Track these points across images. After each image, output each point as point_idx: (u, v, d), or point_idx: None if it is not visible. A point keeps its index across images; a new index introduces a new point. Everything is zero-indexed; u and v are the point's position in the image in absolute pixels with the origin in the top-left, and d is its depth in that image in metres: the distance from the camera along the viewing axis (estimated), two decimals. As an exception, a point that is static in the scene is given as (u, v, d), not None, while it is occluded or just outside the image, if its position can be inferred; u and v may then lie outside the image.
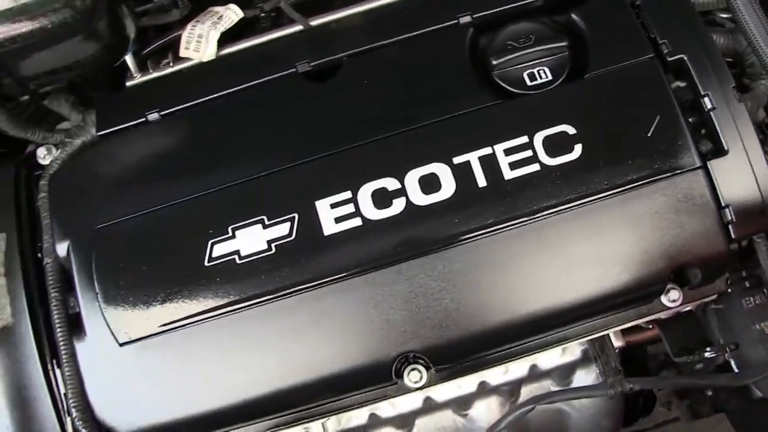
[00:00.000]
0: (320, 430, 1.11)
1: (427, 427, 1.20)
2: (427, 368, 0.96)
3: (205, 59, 1.10)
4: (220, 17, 1.11)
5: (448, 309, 0.93)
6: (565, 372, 1.17)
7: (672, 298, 0.97)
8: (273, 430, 1.03)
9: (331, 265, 0.93)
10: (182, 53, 1.12)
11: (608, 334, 1.07)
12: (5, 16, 0.87)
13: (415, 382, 0.96)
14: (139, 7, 1.08)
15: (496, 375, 1.15)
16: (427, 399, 1.16)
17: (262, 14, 1.14)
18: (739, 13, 0.95)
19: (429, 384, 0.97)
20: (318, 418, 1.02)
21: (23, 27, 0.87)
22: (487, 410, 1.19)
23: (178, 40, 1.12)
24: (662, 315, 1.02)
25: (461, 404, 1.18)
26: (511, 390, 1.18)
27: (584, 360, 1.16)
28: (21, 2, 0.87)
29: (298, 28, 1.10)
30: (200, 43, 1.11)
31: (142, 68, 1.12)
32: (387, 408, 1.16)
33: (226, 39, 1.11)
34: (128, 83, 1.11)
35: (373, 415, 1.15)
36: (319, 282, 0.93)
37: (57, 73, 0.98)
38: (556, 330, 0.98)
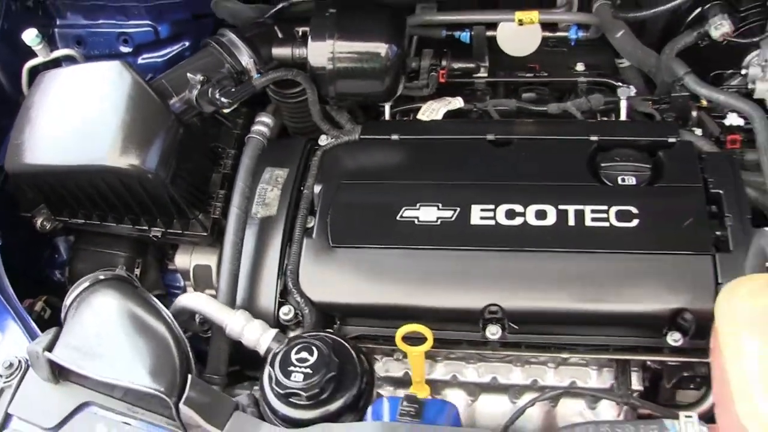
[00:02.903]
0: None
1: (486, 401, 1.86)
2: (503, 329, 1.70)
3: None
4: (449, 102, 2.04)
5: (527, 289, 1.67)
6: (594, 398, 1.82)
7: (674, 338, 1.65)
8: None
9: (471, 241, 1.71)
10: (419, 116, 2.05)
11: (629, 361, 1.75)
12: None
13: (493, 334, 1.69)
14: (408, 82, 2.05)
15: (548, 376, 1.82)
16: (494, 378, 1.86)
17: (474, 109, 2.05)
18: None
19: (501, 339, 1.69)
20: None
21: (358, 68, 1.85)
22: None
23: (416, 109, 2.07)
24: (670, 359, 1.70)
25: (515, 393, 1.85)
26: (555, 397, 1.83)
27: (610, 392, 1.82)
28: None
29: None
30: (432, 113, 2.03)
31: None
32: (463, 374, 1.86)
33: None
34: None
35: (454, 376, 1.85)
36: (459, 248, 1.72)
37: (356, 96, 1.93)
38: (593, 332, 1.69)
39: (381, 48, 1.87)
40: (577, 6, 2.15)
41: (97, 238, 2.00)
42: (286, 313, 1.74)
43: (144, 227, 1.89)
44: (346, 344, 1.49)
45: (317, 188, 1.86)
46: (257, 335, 1.63)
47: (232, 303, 1.74)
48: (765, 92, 2.12)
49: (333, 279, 1.76)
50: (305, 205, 1.85)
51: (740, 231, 1.67)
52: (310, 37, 1.88)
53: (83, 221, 1.91)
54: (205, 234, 1.89)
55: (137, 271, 1.99)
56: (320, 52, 1.88)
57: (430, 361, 1.86)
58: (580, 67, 2.19)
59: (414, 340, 1.66)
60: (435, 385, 1.85)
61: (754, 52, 2.14)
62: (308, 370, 1.37)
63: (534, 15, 1.97)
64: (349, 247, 1.76)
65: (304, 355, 1.39)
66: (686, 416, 1.41)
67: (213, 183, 1.94)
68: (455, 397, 1.87)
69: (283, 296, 1.78)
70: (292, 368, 1.38)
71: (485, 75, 2.17)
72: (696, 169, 1.77)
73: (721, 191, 1.73)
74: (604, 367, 1.81)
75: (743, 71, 2.15)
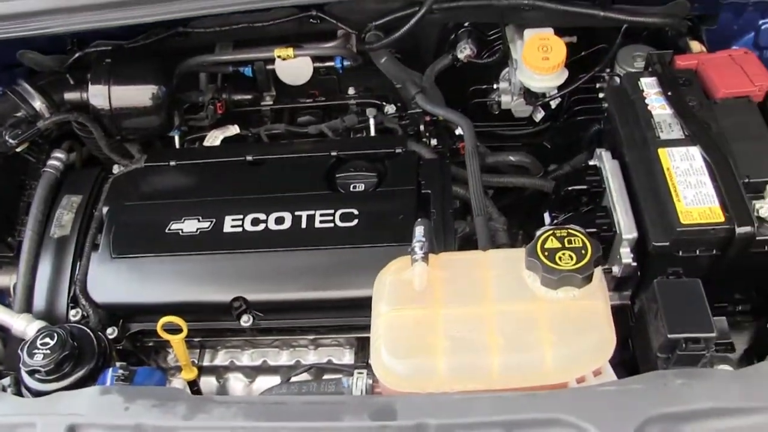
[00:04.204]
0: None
1: (262, 381, 2.26)
2: (254, 318, 2.12)
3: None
4: (227, 129, 2.48)
5: (265, 282, 2.10)
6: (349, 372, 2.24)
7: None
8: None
9: (222, 246, 2.13)
10: (204, 143, 2.49)
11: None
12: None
13: (245, 322, 2.12)
14: (188, 115, 2.49)
15: (310, 356, 2.25)
16: (264, 361, 2.27)
17: (250, 134, 2.50)
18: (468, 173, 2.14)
19: (252, 326, 2.12)
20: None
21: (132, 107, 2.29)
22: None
23: (204, 137, 2.51)
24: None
25: (285, 373, 2.27)
26: (316, 373, 2.25)
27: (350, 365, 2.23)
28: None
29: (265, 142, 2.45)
30: (213, 140, 2.48)
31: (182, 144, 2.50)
32: (239, 359, 2.28)
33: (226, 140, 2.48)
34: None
35: (232, 361, 2.28)
36: (213, 252, 2.14)
37: (137, 131, 2.37)
38: (329, 315, 2.11)
39: (151, 89, 2.32)
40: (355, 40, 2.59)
41: (-73, 266, 2.42)
42: (74, 315, 2.16)
43: (-40, 252, 2.32)
44: (88, 331, 1.91)
45: (105, 210, 2.29)
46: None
47: (28, 310, 2.16)
48: (509, 104, 2.58)
49: (113, 284, 2.16)
50: (95, 224, 2.28)
51: (441, 224, 2.10)
52: (90, 83, 2.32)
53: None
54: (12, 254, 2.31)
55: (-40, 291, 2.41)
56: (99, 95, 2.32)
57: (211, 351, 2.29)
58: (351, 91, 2.63)
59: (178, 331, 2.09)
60: (218, 371, 2.28)
61: (506, 69, 2.60)
62: (47, 351, 1.79)
63: (290, 51, 2.40)
64: (126, 257, 2.19)
65: (47, 340, 1.82)
66: (359, 373, 1.85)
67: (21, 210, 2.37)
68: (235, 380, 2.30)
69: (74, 301, 2.19)
70: (36, 351, 1.80)
71: (271, 103, 2.62)
72: (412, 174, 2.21)
73: (429, 191, 2.17)
74: (355, 346, 2.24)
75: (495, 86, 2.61)
